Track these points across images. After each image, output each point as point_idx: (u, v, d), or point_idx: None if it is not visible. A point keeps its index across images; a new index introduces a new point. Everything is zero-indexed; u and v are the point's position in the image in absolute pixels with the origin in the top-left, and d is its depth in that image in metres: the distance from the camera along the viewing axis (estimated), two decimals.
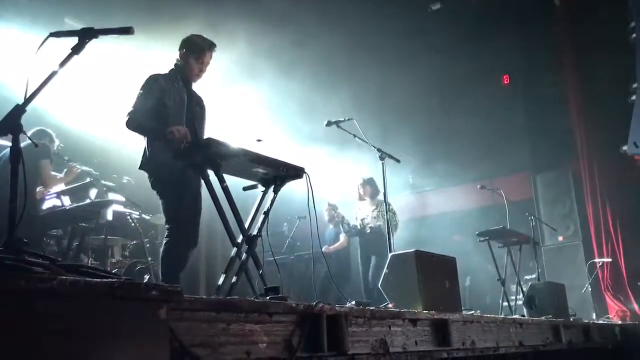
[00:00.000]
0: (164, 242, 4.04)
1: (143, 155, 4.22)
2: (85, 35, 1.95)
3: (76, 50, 1.96)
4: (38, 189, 5.89)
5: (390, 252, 4.39)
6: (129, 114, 4.07)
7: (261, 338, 2.16)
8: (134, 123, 4.04)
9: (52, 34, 1.97)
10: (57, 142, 6.28)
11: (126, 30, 2.05)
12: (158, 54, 7.46)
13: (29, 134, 5.83)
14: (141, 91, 4.17)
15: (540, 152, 9.80)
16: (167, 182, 4.00)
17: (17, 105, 1.79)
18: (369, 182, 7.98)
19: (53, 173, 6.17)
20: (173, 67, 4.40)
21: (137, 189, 8.23)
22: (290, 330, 2.29)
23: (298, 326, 2.33)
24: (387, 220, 4.91)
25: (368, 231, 7.79)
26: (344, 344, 2.50)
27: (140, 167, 4.25)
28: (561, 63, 9.63)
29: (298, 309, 2.35)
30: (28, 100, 1.83)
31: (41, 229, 5.51)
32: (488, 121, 9.83)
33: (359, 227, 7.91)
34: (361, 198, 8.07)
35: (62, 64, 1.94)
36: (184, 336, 1.83)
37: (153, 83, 4.19)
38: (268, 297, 2.81)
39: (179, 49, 4.40)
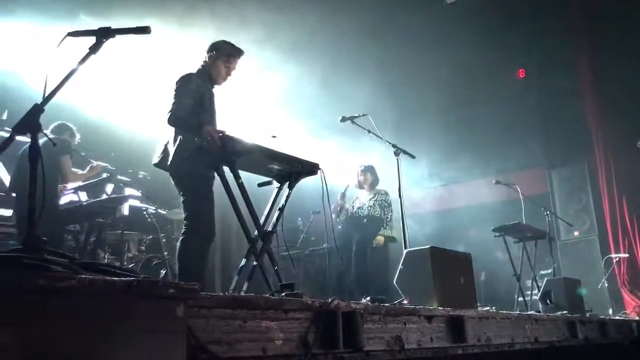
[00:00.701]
0: (181, 238, 4.09)
1: (163, 152, 4.30)
2: (103, 35, 1.96)
3: (94, 49, 1.97)
4: (60, 185, 5.94)
5: (405, 248, 4.37)
6: (170, 111, 4.13)
7: (277, 335, 2.16)
8: (177, 119, 4.09)
9: (69, 34, 1.98)
10: (78, 135, 6.31)
11: (143, 30, 2.05)
12: (175, 45, 7.51)
13: (50, 127, 5.94)
14: (179, 89, 4.25)
15: (556, 147, 9.73)
16: (191, 178, 4.02)
17: (36, 105, 1.80)
18: (370, 170, 7.78)
19: (74, 169, 6.21)
20: (201, 67, 4.50)
21: (153, 183, 8.30)
22: (305, 326, 2.29)
23: (313, 323, 2.33)
24: (402, 218, 4.83)
25: (365, 221, 7.56)
26: (360, 340, 2.50)
27: (158, 164, 4.37)
28: (577, 56, 9.54)
29: (314, 306, 2.35)
30: (47, 99, 1.85)
31: (59, 224, 5.55)
32: (503, 116, 9.76)
33: (355, 215, 7.66)
34: (360, 186, 7.82)
35: (80, 63, 1.95)
36: (201, 333, 1.84)
37: (190, 82, 4.29)
38: (283, 294, 2.82)
39: (208, 52, 4.53)
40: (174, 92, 4.22)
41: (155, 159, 4.42)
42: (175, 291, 1.62)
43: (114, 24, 2.08)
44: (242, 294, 3.17)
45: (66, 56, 1.99)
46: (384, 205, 7.61)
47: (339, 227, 7.65)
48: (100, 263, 1.75)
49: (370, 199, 7.66)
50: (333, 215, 7.65)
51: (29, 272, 1.41)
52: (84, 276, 1.43)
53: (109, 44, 2.08)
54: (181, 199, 4.24)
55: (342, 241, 7.29)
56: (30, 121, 1.77)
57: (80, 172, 6.30)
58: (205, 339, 1.85)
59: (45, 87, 1.86)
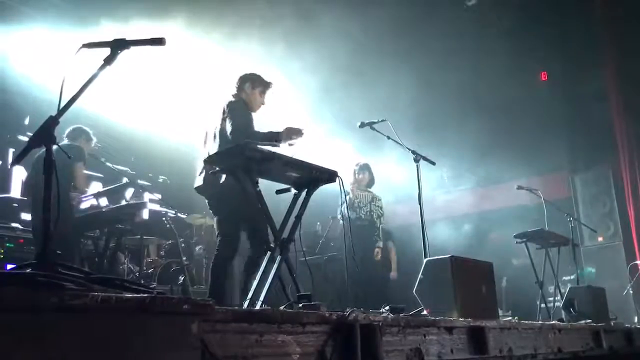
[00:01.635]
0: (215, 254, 4.60)
1: (200, 175, 4.62)
2: (117, 46, 1.95)
3: (108, 61, 1.96)
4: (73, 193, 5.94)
5: (425, 256, 4.32)
6: (233, 131, 4.37)
7: (294, 349, 2.13)
8: (243, 135, 4.26)
9: (84, 45, 1.97)
10: (94, 139, 6.32)
11: (158, 41, 2.04)
12: (197, 46, 7.54)
13: (66, 132, 5.97)
14: (237, 109, 4.64)
15: (580, 151, 9.60)
16: (226, 201, 4.34)
17: (51, 117, 1.80)
18: (367, 168, 7.57)
19: (86, 172, 6.23)
20: (237, 95, 4.94)
21: (173, 188, 8.36)
22: (323, 340, 2.26)
23: (331, 336, 2.29)
24: (422, 225, 4.75)
25: (366, 224, 7.36)
26: (378, 354, 2.45)
27: (198, 189, 4.73)
28: (601, 58, 9.39)
29: (331, 319, 2.32)
30: (62, 111, 1.84)
31: (78, 230, 5.58)
32: (525, 119, 9.66)
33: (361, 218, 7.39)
34: (358, 185, 7.56)
35: (95, 75, 1.94)
36: (217, 348, 1.81)
37: (244, 105, 4.80)
38: (300, 305, 2.79)
39: (242, 83, 4.99)
40: (233, 113, 4.54)
41: (196, 184, 4.73)
42: (189, 307, 1.60)
43: (134, 29, 2.08)
44: (259, 303, 3.15)
45: (82, 66, 1.99)
46: (380, 214, 7.50)
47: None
48: (115, 278, 1.73)
49: (369, 202, 7.48)
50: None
51: (43, 289, 1.40)
52: (97, 294, 1.41)
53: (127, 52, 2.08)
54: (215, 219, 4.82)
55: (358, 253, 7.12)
56: (45, 133, 1.76)
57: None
58: (221, 354, 1.82)
59: (60, 97, 1.86)
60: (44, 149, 1.73)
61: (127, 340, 1.46)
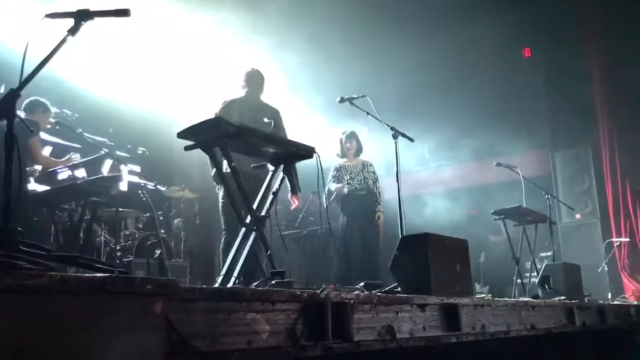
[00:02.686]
0: (224, 237, 4.92)
1: None
2: (81, 17, 1.89)
3: (72, 32, 1.90)
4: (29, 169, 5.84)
5: (401, 233, 4.32)
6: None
7: (263, 327, 2.12)
8: None
9: (47, 15, 1.91)
10: (52, 111, 6.19)
11: (123, 13, 1.98)
12: (176, 15, 7.41)
13: (22, 105, 5.85)
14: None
15: (561, 129, 9.62)
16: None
17: (12, 90, 1.74)
18: (355, 136, 7.42)
19: (53, 158, 6.15)
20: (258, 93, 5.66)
21: (153, 159, 8.29)
22: (293, 318, 2.25)
23: (302, 314, 2.28)
24: (400, 202, 4.74)
25: (364, 192, 7.26)
26: (349, 331, 2.46)
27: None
28: (584, 36, 9.38)
29: (302, 297, 2.31)
30: (23, 84, 1.78)
31: (52, 203, 5.52)
32: (507, 96, 9.65)
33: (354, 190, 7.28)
34: (344, 154, 7.47)
35: (58, 46, 1.88)
36: (183, 327, 1.79)
37: None
38: (274, 282, 2.78)
39: (261, 80, 5.80)
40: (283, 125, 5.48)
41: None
42: (152, 287, 1.58)
43: None
44: (233, 279, 3.14)
45: (46, 36, 1.92)
46: (375, 178, 7.40)
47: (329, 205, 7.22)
48: (79, 256, 1.70)
49: (361, 171, 7.36)
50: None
51: None
52: (54, 273, 1.38)
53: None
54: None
55: (355, 228, 7.12)
56: (6, 107, 1.71)
57: (53, 159, 6.22)
58: (187, 333, 1.81)
59: (22, 69, 1.80)
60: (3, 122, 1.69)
61: (87, 322, 1.43)
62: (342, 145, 7.45)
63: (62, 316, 1.39)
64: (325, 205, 3.98)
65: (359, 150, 7.47)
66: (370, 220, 7.22)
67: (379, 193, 7.37)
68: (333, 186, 7.30)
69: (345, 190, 7.20)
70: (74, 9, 1.91)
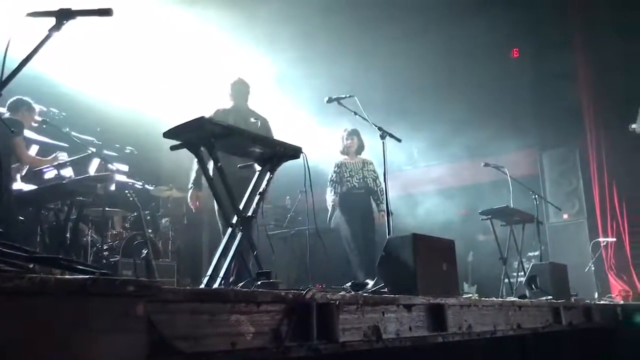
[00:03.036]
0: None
1: None
2: (63, 16, 1.87)
3: (53, 31, 1.88)
4: (14, 166, 5.80)
5: (388, 233, 4.33)
6: None
7: (248, 328, 2.11)
8: None
9: (28, 14, 1.89)
10: (37, 109, 6.15)
11: (105, 12, 1.96)
12: (164, 15, 7.38)
13: (7, 104, 5.80)
14: None
15: (548, 129, 9.67)
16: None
17: None
18: (357, 134, 7.39)
19: (39, 157, 6.11)
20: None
21: (141, 159, 8.25)
22: (278, 319, 2.25)
23: (287, 315, 2.28)
24: (387, 203, 4.74)
25: (362, 191, 7.25)
26: (335, 331, 2.46)
27: None
28: (572, 37, 9.43)
29: (287, 298, 2.31)
30: (4, 83, 1.76)
31: (38, 202, 5.48)
32: (496, 96, 9.70)
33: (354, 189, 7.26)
34: (346, 152, 7.45)
35: (39, 45, 1.86)
36: (166, 329, 1.79)
37: None
38: (259, 282, 2.78)
39: (248, 89, 5.99)
40: None
41: None
42: (134, 288, 1.57)
43: None
44: (219, 280, 3.13)
45: (27, 35, 1.90)
46: (375, 176, 7.38)
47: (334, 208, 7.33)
48: (60, 257, 1.69)
49: (361, 169, 7.35)
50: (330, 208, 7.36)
51: None
52: (34, 275, 1.37)
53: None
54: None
55: (357, 227, 7.11)
56: None
57: (38, 158, 6.17)
58: (169, 335, 1.80)
59: (2, 69, 1.78)
60: None
61: (67, 324, 1.42)
62: (343, 143, 7.45)
63: (42, 318, 1.38)
64: (312, 206, 3.95)
65: (360, 148, 7.45)
66: (368, 218, 7.23)
67: (381, 191, 7.28)
68: (330, 197, 7.32)
69: (344, 188, 7.22)
70: (55, 8, 1.90)
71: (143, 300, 1.61)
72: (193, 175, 5.79)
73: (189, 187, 5.82)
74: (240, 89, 5.98)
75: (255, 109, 5.88)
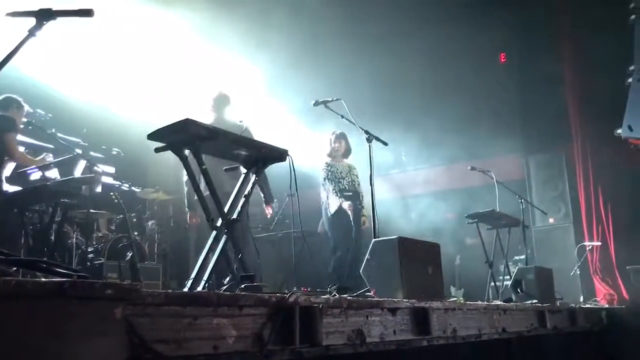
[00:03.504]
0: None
1: None
2: (43, 17, 1.85)
3: (33, 31, 1.86)
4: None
5: (374, 236, 4.33)
6: None
7: (229, 332, 2.11)
8: None
9: (8, 14, 1.87)
10: (26, 107, 6.11)
11: (86, 13, 1.94)
12: (150, 16, 7.36)
13: None
14: None
15: (534, 134, 9.74)
16: None
17: None
18: (344, 137, 7.37)
19: (30, 156, 6.07)
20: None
21: (127, 161, 8.19)
22: (261, 323, 2.24)
23: (270, 319, 2.28)
24: (373, 206, 4.73)
25: (351, 194, 7.19)
26: (318, 335, 2.45)
27: None
28: (558, 42, 9.48)
29: (270, 302, 2.30)
30: None
31: (21, 204, 5.43)
32: (483, 100, 9.75)
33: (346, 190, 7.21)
34: (333, 155, 7.40)
35: (19, 46, 1.84)
36: (146, 332, 1.77)
37: None
38: (243, 286, 2.77)
39: (229, 103, 6.08)
40: None
41: None
42: (113, 292, 1.56)
43: None
44: (203, 283, 3.11)
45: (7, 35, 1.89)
46: (359, 182, 7.37)
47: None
48: (39, 260, 1.67)
49: (348, 173, 7.35)
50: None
51: None
52: (9, 278, 1.35)
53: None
54: None
55: (342, 226, 7.08)
56: None
57: (30, 157, 6.13)
58: (150, 338, 1.79)
59: None
60: None
61: (45, 327, 1.41)
62: (330, 145, 7.41)
63: (19, 321, 1.36)
64: (298, 209, 3.96)
65: (347, 152, 7.43)
66: (358, 222, 7.22)
67: (362, 197, 7.34)
68: (334, 199, 7.19)
69: (346, 205, 7.11)
70: (36, 8, 1.88)
71: (122, 303, 1.59)
72: (186, 196, 6.08)
73: (185, 210, 6.15)
74: (221, 103, 6.12)
75: (239, 115, 5.90)
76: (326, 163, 7.37)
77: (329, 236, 7.30)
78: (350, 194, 7.22)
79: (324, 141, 7.52)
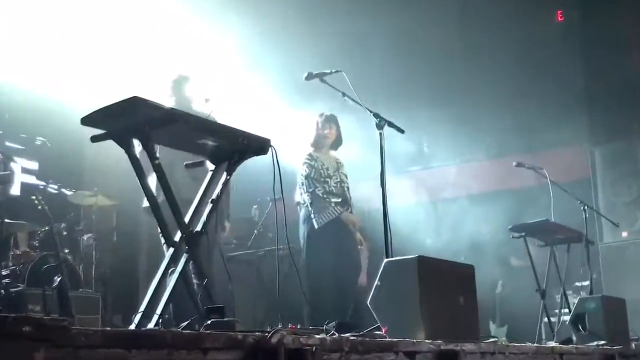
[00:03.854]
0: None
1: None
2: None
3: None
4: None
5: (387, 256, 4.33)
6: None
7: None
8: None
9: None
10: None
11: None
12: None
13: None
14: None
15: (602, 118, 9.71)
16: None
17: None
18: (335, 122, 7.28)
19: None
20: None
21: (56, 154, 8.18)
22: None
23: None
24: (385, 214, 4.71)
25: (339, 200, 7.15)
26: None
27: None
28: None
29: (246, 343, 2.31)
30: None
31: None
32: (530, 75, 9.73)
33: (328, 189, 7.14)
34: (320, 144, 7.31)
35: None
36: None
37: None
38: (209, 322, 2.77)
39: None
40: None
41: None
42: (32, 329, 1.56)
43: None
44: (155, 318, 3.12)
45: None
46: (348, 183, 7.36)
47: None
48: None
49: (336, 170, 7.27)
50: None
51: None
52: None
53: None
54: None
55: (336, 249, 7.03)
56: None
57: None
58: None
59: None
60: None
61: None
62: (317, 131, 7.29)
63: None
64: (284, 216, 3.96)
65: (337, 141, 7.37)
66: (350, 239, 7.23)
67: (352, 205, 7.34)
68: (326, 208, 7.11)
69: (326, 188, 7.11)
70: None
71: (44, 345, 1.60)
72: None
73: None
74: (180, 87, 6.36)
75: (205, 95, 5.95)
76: (309, 155, 7.24)
77: (305, 260, 7.15)
78: (339, 200, 7.14)
79: (310, 126, 7.37)
